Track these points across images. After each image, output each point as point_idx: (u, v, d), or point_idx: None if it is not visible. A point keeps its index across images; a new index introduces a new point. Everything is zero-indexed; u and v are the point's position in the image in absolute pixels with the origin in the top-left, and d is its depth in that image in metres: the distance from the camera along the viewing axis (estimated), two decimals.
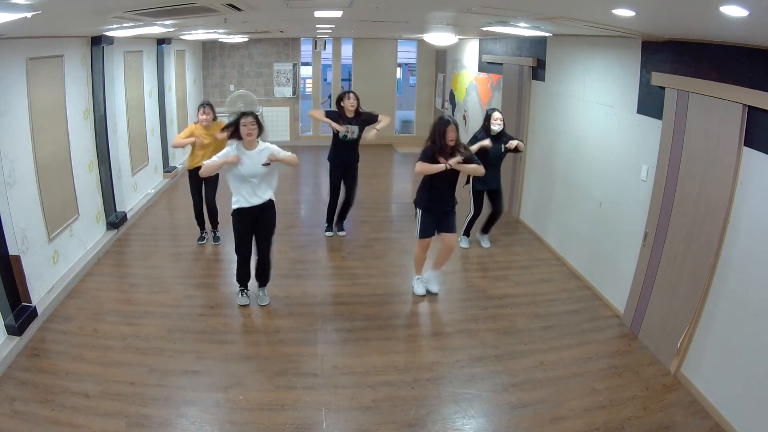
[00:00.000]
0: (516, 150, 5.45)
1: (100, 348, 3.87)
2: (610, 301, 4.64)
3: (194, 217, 5.83)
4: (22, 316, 3.86)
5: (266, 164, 4.16)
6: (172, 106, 8.51)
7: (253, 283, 4.61)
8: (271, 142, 4.33)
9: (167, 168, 8.29)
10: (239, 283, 4.57)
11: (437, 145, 4.30)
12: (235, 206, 4.26)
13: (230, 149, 4.18)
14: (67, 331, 4.08)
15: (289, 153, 4.25)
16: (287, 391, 3.47)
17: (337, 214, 6.15)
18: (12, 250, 3.91)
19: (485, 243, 5.92)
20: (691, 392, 3.48)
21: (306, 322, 4.31)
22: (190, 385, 3.50)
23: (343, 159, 5.87)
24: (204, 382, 3.55)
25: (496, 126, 5.38)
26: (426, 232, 4.56)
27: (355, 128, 5.70)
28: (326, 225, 6.23)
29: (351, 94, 5.71)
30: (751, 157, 3.10)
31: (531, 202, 6.53)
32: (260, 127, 4.17)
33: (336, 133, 5.73)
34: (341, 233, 6.20)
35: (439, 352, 3.95)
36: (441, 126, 4.29)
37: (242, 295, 4.57)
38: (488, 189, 5.63)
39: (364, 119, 5.75)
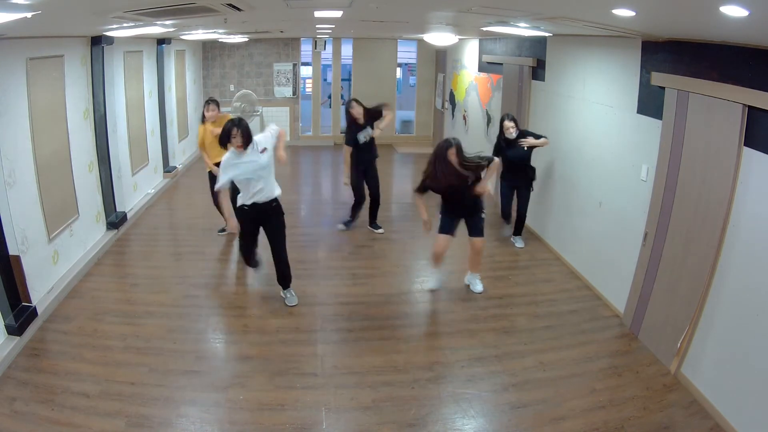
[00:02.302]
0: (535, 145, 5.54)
1: (100, 348, 3.87)
2: (610, 301, 4.64)
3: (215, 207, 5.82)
4: (22, 316, 3.86)
5: (263, 150, 4.11)
6: (172, 106, 8.51)
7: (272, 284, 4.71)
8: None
9: (167, 168, 8.29)
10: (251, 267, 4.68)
11: (442, 170, 4.28)
12: (238, 203, 4.24)
13: (229, 155, 4.10)
14: (67, 331, 4.08)
15: (276, 135, 4.26)
16: (287, 391, 3.47)
17: (369, 216, 6.31)
18: (12, 250, 3.91)
19: (519, 243, 5.98)
20: (691, 392, 3.48)
21: (306, 322, 4.31)
22: (190, 385, 3.50)
23: (362, 159, 6.01)
24: (204, 382, 3.55)
25: (508, 135, 5.54)
26: (442, 229, 4.62)
27: (368, 131, 5.92)
28: (349, 220, 6.34)
29: (353, 103, 5.89)
30: (751, 157, 3.10)
31: (531, 202, 6.51)
32: (247, 138, 4.02)
33: (357, 142, 5.92)
34: (379, 231, 6.28)
35: (439, 352, 3.95)
36: (442, 150, 4.28)
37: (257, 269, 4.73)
38: (515, 186, 5.80)
39: (372, 117, 5.94)
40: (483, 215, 4.61)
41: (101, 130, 5.63)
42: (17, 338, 3.77)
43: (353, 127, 5.89)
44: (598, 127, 4.88)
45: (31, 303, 4.08)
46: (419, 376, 3.64)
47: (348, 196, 6.77)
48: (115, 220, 5.92)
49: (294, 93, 11.23)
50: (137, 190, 6.98)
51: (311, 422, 3.20)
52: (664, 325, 3.83)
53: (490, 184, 4.47)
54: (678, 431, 3.20)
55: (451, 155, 4.27)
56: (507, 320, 4.40)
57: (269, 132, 4.30)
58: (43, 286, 4.38)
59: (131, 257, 5.63)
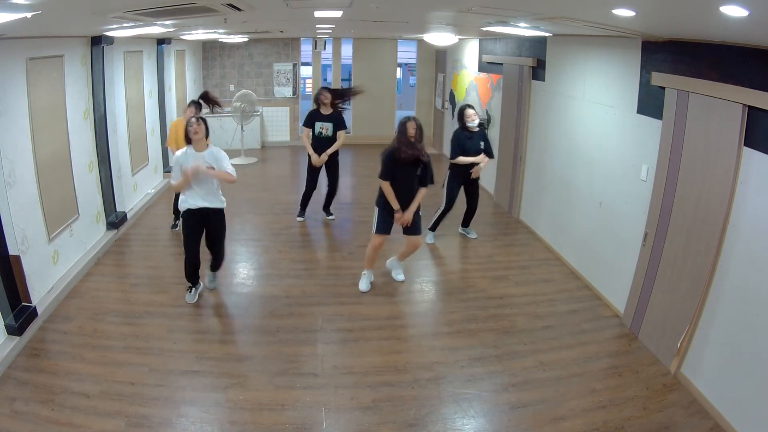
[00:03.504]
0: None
1: (100, 348, 3.87)
2: (610, 301, 4.64)
3: (173, 205, 5.92)
4: (22, 316, 3.86)
5: (210, 167, 4.19)
6: (172, 106, 8.51)
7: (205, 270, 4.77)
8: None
9: (167, 168, 8.28)
10: (187, 279, 4.57)
11: (401, 140, 4.47)
12: (182, 206, 4.36)
13: (180, 153, 4.28)
14: (67, 331, 4.08)
15: (229, 170, 4.25)
16: (287, 391, 3.48)
17: (324, 203, 6.64)
18: (12, 250, 3.91)
19: (472, 234, 6.11)
20: (691, 392, 3.48)
21: (306, 322, 4.31)
22: (190, 385, 3.50)
23: (321, 149, 6.19)
24: (204, 382, 3.55)
25: (471, 122, 5.54)
26: (381, 228, 4.68)
27: (329, 125, 6.10)
28: (299, 210, 6.59)
29: (325, 91, 6.08)
30: (751, 157, 3.10)
31: (531, 202, 6.53)
32: (206, 130, 4.24)
33: (313, 129, 6.17)
34: (330, 217, 6.63)
35: (439, 352, 3.95)
36: (402, 124, 4.52)
37: (190, 292, 4.59)
38: (465, 182, 5.76)
39: (337, 117, 6.17)
40: (420, 213, 4.71)
41: (101, 130, 5.63)
42: (17, 338, 3.77)
43: (315, 114, 6.10)
44: (598, 127, 4.88)
45: (31, 303, 4.08)
46: (419, 376, 3.64)
47: (343, 195, 6.79)
48: (115, 220, 5.92)
49: (294, 93, 11.23)
50: (137, 190, 6.98)
51: (311, 422, 3.20)
52: (664, 325, 3.83)
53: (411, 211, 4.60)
54: (678, 431, 3.20)
55: (411, 128, 4.44)
56: (507, 320, 4.40)
57: (227, 164, 4.31)
58: (43, 286, 4.38)
59: (131, 257, 5.63)
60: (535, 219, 6.38)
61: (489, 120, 7.90)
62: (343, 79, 12.26)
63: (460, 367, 3.76)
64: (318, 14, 4.58)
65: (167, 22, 4.50)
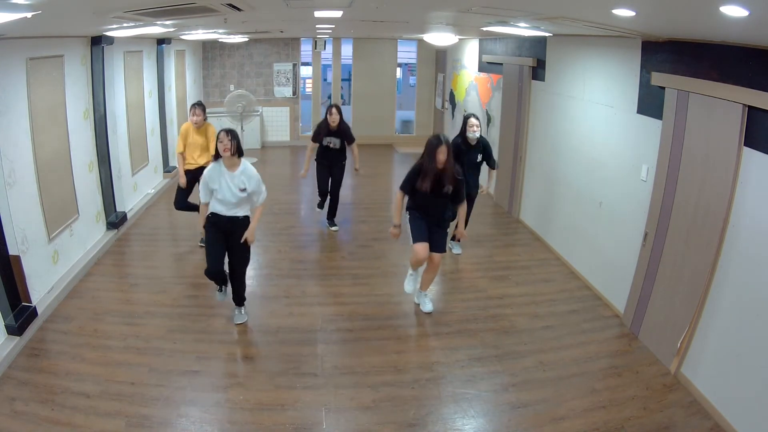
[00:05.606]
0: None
1: (100, 348, 3.87)
2: (610, 301, 4.64)
3: (176, 210, 5.70)
4: (22, 316, 3.86)
5: (242, 189, 3.92)
6: (172, 106, 8.51)
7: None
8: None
9: (167, 168, 8.28)
10: (215, 282, 4.26)
11: (427, 165, 4.09)
12: (208, 209, 4.05)
13: (212, 167, 3.96)
14: (67, 331, 4.08)
15: (261, 198, 4.04)
16: (287, 391, 3.48)
17: (327, 212, 6.44)
18: (12, 250, 3.91)
19: (457, 250, 5.73)
20: (691, 392, 3.48)
21: (306, 322, 4.31)
22: (190, 385, 3.50)
23: (329, 157, 6.13)
24: (204, 382, 3.55)
25: (471, 133, 5.21)
26: (416, 235, 4.27)
27: (337, 140, 6.05)
28: (320, 201, 6.48)
29: (333, 110, 5.99)
30: (751, 157, 3.10)
31: (531, 202, 6.54)
32: (239, 147, 3.91)
33: (321, 142, 6.10)
34: (334, 228, 6.37)
35: (439, 352, 3.95)
36: (432, 146, 4.04)
37: (220, 290, 4.31)
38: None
39: (344, 131, 6.07)
40: (447, 232, 4.46)
41: (101, 130, 5.63)
42: (17, 338, 3.77)
43: (324, 129, 6.02)
44: (598, 127, 4.88)
45: (31, 303, 4.08)
46: (419, 376, 3.64)
47: (344, 196, 6.78)
48: (115, 220, 5.92)
49: (294, 93, 11.23)
50: (137, 190, 6.98)
51: (311, 422, 3.21)
52: (664, 325, 3.83)
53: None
54: (678, 431, 3.20)
55: (441, 154, 4.00)
56: (507, 320, 4.40)
57: (261, 187, 4.05)
58: (43, 286, 4.38)
59: (131, 257, 5.63)
60: (536, 219, 6.38)
61: (489, 120, 7.90)
62: (343, 79, 12.27)
63: (460, 367, 3.76)
64: (318, 14, 4.59)
65: (167, 22, 4.50)
